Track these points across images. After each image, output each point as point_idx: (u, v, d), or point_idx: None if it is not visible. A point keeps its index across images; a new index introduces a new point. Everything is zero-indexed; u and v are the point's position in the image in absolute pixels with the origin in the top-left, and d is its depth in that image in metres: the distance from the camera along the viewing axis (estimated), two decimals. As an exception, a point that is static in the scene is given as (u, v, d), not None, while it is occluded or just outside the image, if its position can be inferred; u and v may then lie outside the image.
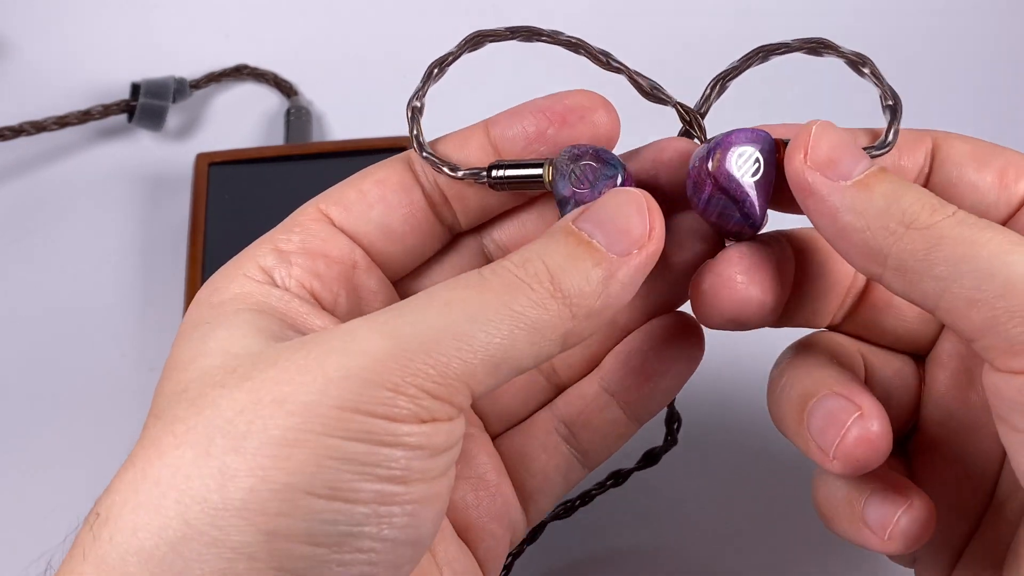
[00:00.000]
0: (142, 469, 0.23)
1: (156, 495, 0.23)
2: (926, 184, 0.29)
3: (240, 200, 0.47)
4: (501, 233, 0.31)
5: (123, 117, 0.52)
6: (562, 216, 0.27)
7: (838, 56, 0.29)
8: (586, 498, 0.37)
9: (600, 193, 0.27)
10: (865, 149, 0.28)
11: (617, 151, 0.29)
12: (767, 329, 0.31)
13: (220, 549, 0.22)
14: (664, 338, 0.31)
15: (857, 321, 0.32)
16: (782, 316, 0.30)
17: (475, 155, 0.29)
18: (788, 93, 0.49)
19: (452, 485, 0.25)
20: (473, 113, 0.31)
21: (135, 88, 0.51)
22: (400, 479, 0.23)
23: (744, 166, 0.28)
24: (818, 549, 0.40)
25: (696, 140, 0.30)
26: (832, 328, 0.32)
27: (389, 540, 0.23)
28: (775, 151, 0.28)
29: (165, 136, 0.52)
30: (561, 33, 0.29)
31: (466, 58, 0.29)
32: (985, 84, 0.54)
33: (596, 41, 0.29)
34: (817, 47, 0.29)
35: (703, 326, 0.29)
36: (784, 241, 0.30)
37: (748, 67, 0.29)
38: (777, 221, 0.30)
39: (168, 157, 0.51)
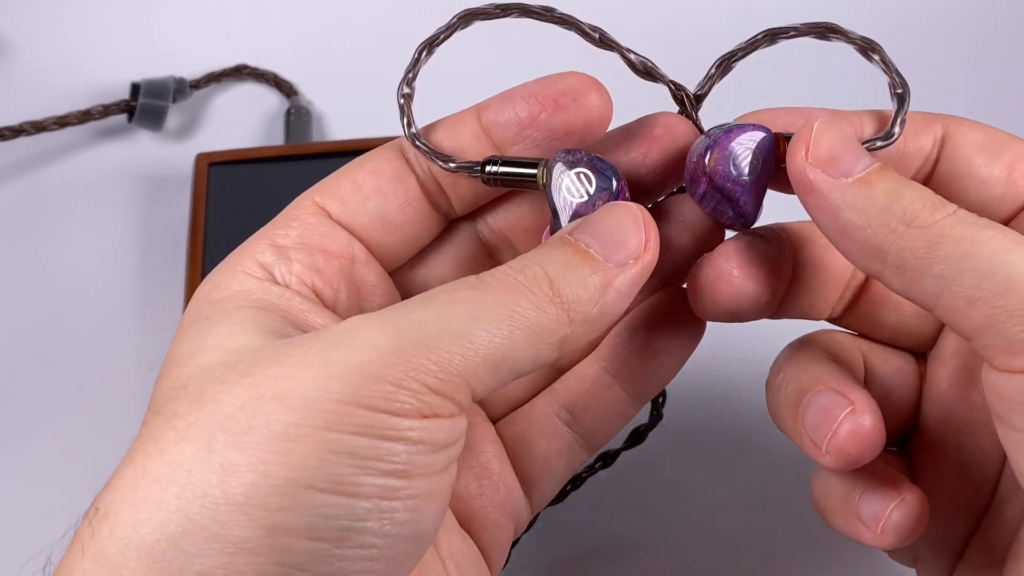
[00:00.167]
0: (142, 465, 0.23)
1: (156, 490, 0.23)
2: (932, 173, 0.29)
3: (240, 200, 0.47)
4: (496, 218, 0.31)
5: (123, 117, 0.52)
6: (555, 223, 0.28)
7: (847, 41, 0.29)
8: (577, 481, 0.38)
9: (595, 204, 0.27)
10: (869, 141, 0.28)
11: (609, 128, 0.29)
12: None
13: (221, 544, 0.22)
14: (666, 315, 0.31)
15: (857, 315, 0.32)
16: (780, 308, 0.31)
17: (468, 142, 0.29)
18: (797, 77, 0.49)
19: (453, 482, 0.25)
20: (459, 97, 0.31)
21: (135, 88, 0.51)
22: (402, 473, 0.23)
23: (740, 165, 0.28)
24: (812, 530, 0.40)
25: (691, 121, 0.29)
26: (832, 321, 0.32)
27: (391, 535, 0.23)
28: (775, 147, 0.28)
29: (165, 136, 0.52)
30: (554, 10, 0.28)
31: (453, 43, 0.29)
32: (1000, 69, 0.54)
33: (611, 29, 0.29)
34: (825, 31, 0.29)
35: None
36: (783, 235, 0.30)
37: (754, 49, 0.29)
38: (779, 209, 0.30)
39: (168, 157, 0.51)
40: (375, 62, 0.53)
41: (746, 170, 0.28)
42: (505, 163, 0.28)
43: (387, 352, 0.23)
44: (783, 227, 0.30)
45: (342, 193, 0.29)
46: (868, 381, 0.32)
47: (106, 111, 0.51)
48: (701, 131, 0.29)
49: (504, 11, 0.29)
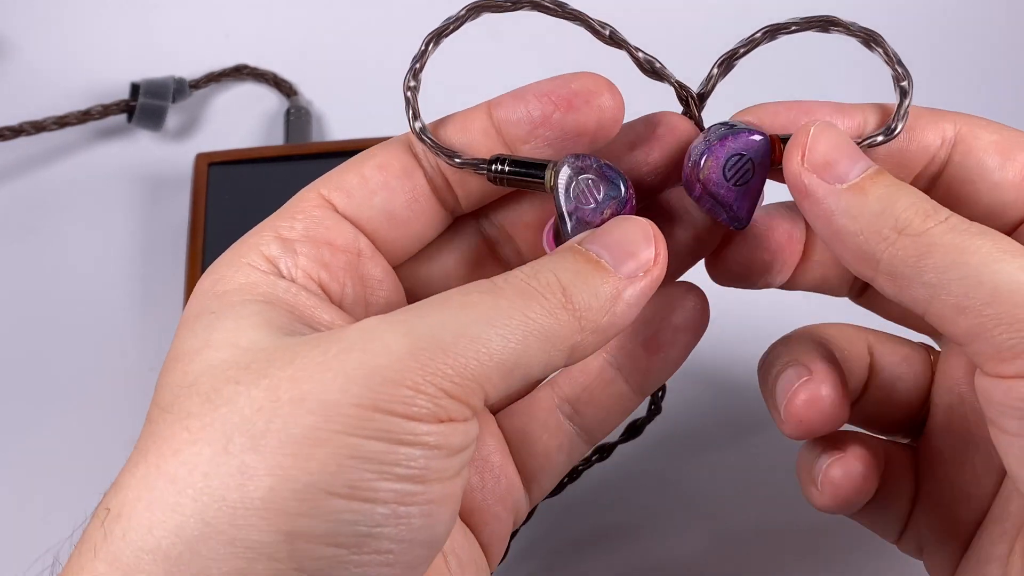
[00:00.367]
0: (156, 464, 0.23)
1: (172, 492, 0.22)
2: (940, 173, 0.29)
3: (240, 200, 0.47)
4: (500, 215, 0.31)
5: (123, 117, 0.52)
6: (561, 226, 0.28)
7: (848, 34, 0.29)
8: (574, 474, 0.38)
9: (603, 213, 0.27)
10: (870, 137, 0.28)
11: None
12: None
13: (239, 548, 0.22)
14: (671, 309, 0.31)
15: (871, 295, 0.32)
16: (795, 279, 0.31)
17: (478, 139, 0.28)
18: (805, 69, 0.49)
19: (465, 486, 0.25)
20: (458, 94, 0.30)
21: (135, 88, 0.51)
22: (418, 478, 0.23)
23: (733, 173, 0.28)
24: (811, 524, 0.40)
25: (693, 122, 0.30)
26: (854, 300, 0.33)
27: (406, 540, 0.23)
28: (771, 150, 0.28)
29: (165, 136, 0.52)
30: (565, 5, 0.28)
31: (450, 40, 0.29)
32: (1008, 63, 0.54)
33: (620, 26, 0.29)
34: (826, 24, 0.29)
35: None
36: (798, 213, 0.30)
37: (755, 47, 0.29)
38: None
39: (168, 157, 0.51)
40: (375, 62, 0.54)
41: (739, 177, 0.28)
42: (513, 163, 0.28)
43: (404, 355, 0.23)
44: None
45: (349, 186, 0.28)
46: (874, 370, 0.32)
47: (106, 111, 0.51)
48: (702, 130, 0.29)
49: (515, 4, 0.28)
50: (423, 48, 0.28)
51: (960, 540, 0.31)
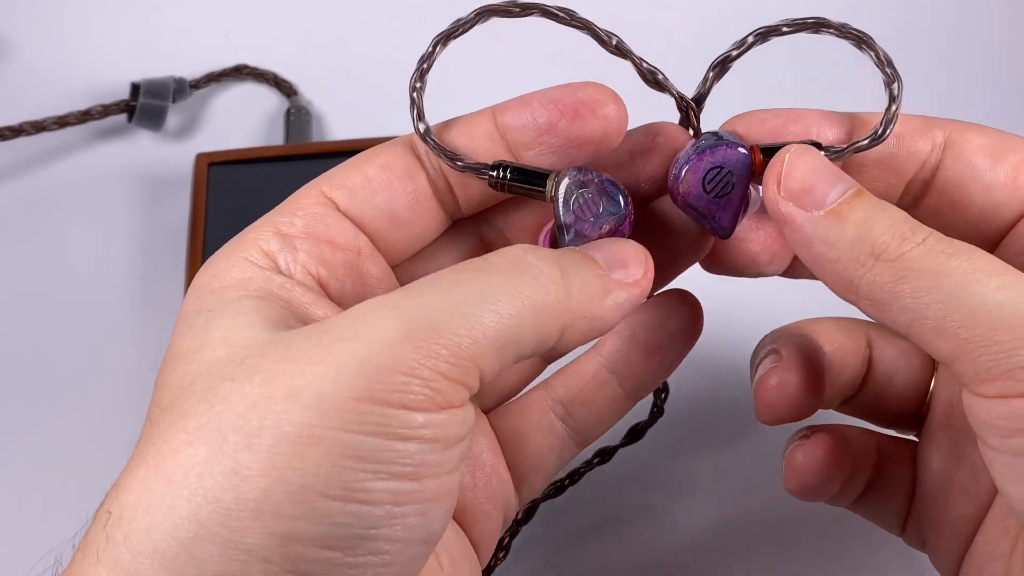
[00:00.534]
0: (155, 466, 0.23)
1: (169, 494, 0.22)
2: (932, 179, 0.29)
3: (240, 200, 0.47)
4: (499, 219, 0.31)
5: (123, 117, 0.52)
6: (559, 236, 0.28)
7: (839, 36, 0.28)
8: (575, 476, 0.38)
9: (601, 227, 0.28)
10: (856, 143, 0.28)
11: None
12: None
13: (233, 551, 0.22)
14: (667, 315, 0.31)
15: None
16: (793, 269, 0.31)
17: (482, 143, 0.28)
18: (799, 74, 0.49)
19: (460, 481, 0.25)
20: (457, 97, 0.30)
21: (135, 88, 0.51)
22: (413, 475, 0.23)
23: (713, 186, 0.28)
24: (814, 526, 0.40)
25: (690, 130, 0.30)
26: None
27: (402, 540, 0.23)
28: (751, 163, 0.28)
29: (165, 136, 0.52)
30: (573, 13, 0.28)
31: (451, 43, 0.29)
32: (1003, 66, 0.54)
33: (621, 32, 0.29)
34: (816, 26, 0.28)
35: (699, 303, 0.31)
36: None
37: (747, 50, 0.29)
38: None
39: (168, 157, 0.51)
40: (375, 62, 0.54)
41: (719, 189, 0.28)
42: (515, 171, 0.28)
43: (397, 340, 0.23)
44: None
45: (351, 185, 0.28)
46: (872, 363, 0.33)
47: (106, 111, 0.51)
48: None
49: (524, 10, 0.28)
50: (430, 49, 0.28)
51: (961, 535, 0.31)
